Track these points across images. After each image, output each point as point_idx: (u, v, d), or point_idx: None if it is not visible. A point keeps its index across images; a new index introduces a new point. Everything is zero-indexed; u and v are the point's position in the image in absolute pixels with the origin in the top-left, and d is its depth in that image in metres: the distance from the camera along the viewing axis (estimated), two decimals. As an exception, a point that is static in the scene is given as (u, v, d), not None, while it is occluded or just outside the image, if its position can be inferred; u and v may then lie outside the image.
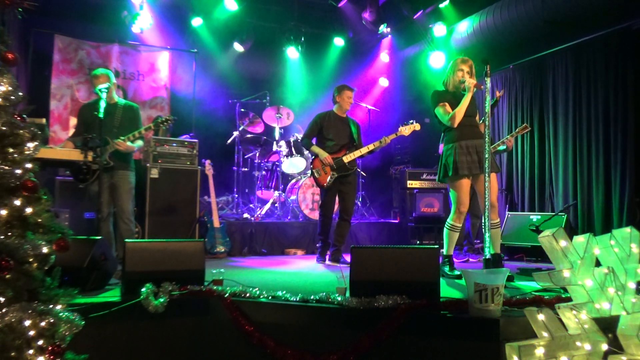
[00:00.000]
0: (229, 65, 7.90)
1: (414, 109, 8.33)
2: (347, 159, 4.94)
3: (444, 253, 4.04)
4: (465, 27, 6.64)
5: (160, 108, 7.30)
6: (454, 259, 4.19)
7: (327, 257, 5.05)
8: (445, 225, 4.02)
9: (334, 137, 5.01)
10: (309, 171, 6.77)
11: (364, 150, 4.95)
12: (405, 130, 5.06)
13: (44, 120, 4.68)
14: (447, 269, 4.01)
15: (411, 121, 5.13)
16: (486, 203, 3.41)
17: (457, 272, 3.94)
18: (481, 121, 4.05)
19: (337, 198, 5.15)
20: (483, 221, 3.43)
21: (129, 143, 4.25)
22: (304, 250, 6.30)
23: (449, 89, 4.07)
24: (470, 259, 5.43)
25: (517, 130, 5.31)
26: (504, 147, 5.25)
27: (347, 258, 4.26)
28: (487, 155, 3.42)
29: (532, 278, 2.57)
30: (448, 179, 3.96)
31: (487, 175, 3.41)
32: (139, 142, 4.43)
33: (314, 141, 5.19)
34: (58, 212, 4.98)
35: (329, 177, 4.94)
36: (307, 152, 6.83)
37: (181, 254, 3.20)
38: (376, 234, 6.87)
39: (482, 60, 3.55)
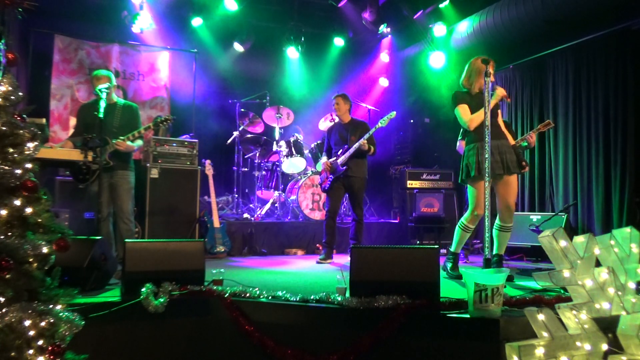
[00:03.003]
0: (229, 65, 7.89)
1: (414, 109, 8.34)
2: (340, 161, 5.25)
3: (451, 250, 4.02)
4: (465, 27, 6.64)
5: (160, 108, 7.30)
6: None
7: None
8: (459, 224, 3.95)
9: (334, 144, 5.43)
10: (309, 171, 6.80)
11: (351, 150, 5.19)
12: (384, 122, 5.21)
13: (44, 120, 4.68)
14: (450, 266, 3.99)
15: (387, 114, 5.31)
16: (486, 202, 3.41)
17: (458, 272, 3.92)
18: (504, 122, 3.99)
19: (342, 199, 5.54)
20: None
21: (128, 143, 4.25)
22: (304, 250, 6.30)
23: (471, 91, 3.97)
24: (471, 259, 5.42)
25: (539, 126, 5.11)
26: (526, 143, 4.96)
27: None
28: (487, 156, 3.41)
29: (532, 278, 2.57)
30: (469, 179, 3.86)
31: (487, 174, 3.40)
32: (139, 142, 4.43)
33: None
34: (58, 212, 4.98)
35: (328, 180, 5.34)
36: (307, 152, 6.89)
37: (181, 254, 3.19)
38: (376, 234, 6.86)
39: (482, 60, 3.55)
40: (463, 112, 3.92)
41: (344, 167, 5.22)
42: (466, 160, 3.92)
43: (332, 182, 5.30)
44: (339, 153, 5.31)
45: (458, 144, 5.19)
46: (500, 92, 3.85)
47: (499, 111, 4.02)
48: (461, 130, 5.11)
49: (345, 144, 5.29)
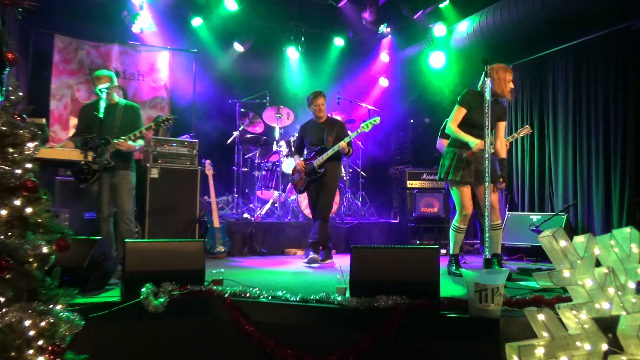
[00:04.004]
0: (229, 65, 7.89)
1: (413, 109, 8.33)
2: (317, 163, 5.09)
3: (450, 252, 4.15)
4: (465, 27, 6.64)
5: (160, 108, 7.30)
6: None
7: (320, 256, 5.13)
8: (451, 227, 4.11)
9: (310, 144, 5.27)
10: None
11: (330, 152, 5.01)
12: (366, 127, 5.11)
13: (44, 120, 4.67)
14: (453, 267, 4.10)
15: (371, 118, 5.22)
16: (486, 203, 3.42)
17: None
18: (493, 132, 4.00)
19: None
20: (485, 222, 3.44)
21: (130, 142, 4.25)
22: (304, 250, 6.29)
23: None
24: (467, 260, 5.41)
25: (519, 130, 5.34)
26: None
27: (341, 259, 4.28)
28: (486, 155, 3.42)
29: (532, 278, 2.57)
30: (449, 181, 4.03)
31: (486, 175, 3.41)
32: (140, 142, 4.43)
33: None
34: (58, 212, 4.98)
35: (303, 183, 5.23)
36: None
37: (181, 254, 3.19)
38: (376, 234, 6.86)
39: (482, 60, 3.55)
40: (457, 115, 3.98)
41: (322, 170, 5.07)
42: (442, 161, 4.08)
43: (308, 184, 5.18)
44: (313, 154, 5.15)
45: (438, 141, 5.24)
46: (478, 145, 3.77)
47: (500, 124, 4.06)
48: (441, 127, 5.14)
49: (321, 144, 5.13)
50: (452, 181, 3.97)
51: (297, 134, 5.76)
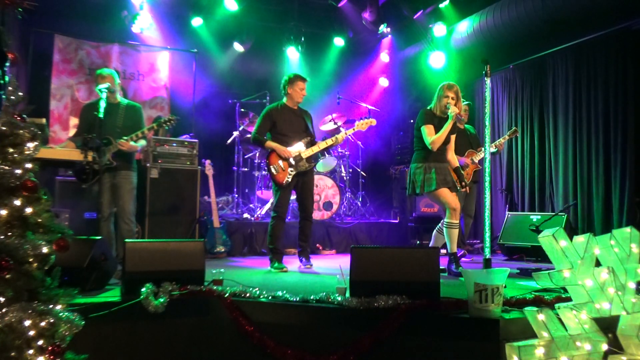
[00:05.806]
0: (229, 65, 7.89)
1: (413, 109, 8.33)
2: (306, 154, 4.58)
3: (449, 251, 4.19)
4: (465, 27, 6.64)
5: (160, 108, 7.30)
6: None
7: (301, 261, 4.71)
8: (444, 225, 4.18)
9: (288, 132, 4.61)
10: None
11: (322, 145, 4.65)
12: (362, 126, 4.84)
13: (44, 120, 4.66)
14: (453, 267, 4.14)
15: (367, 117, 5.11)
16: (486, 203, 3.41)
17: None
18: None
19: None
20: (484, 221, 3.44)
21: (132, 143, 4.24)
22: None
23: (436, 113, 4.22)
24: (466, 258, 5.43)
25: (507, 134, 5.50)
26: (495, 150, 5.43)
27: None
28: (486, 155, 3.42)
29: (532, 278, 2.57)
30: (427, 193, 4.21)
31: (486, 174, 3.40)
32: (142, 142, 4.41)
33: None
34: (58, 212, 4.97)
35: (287, 175, 4.53)
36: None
37: (181, 254, 3.19)
38: (376, 234, 6.86)
39: (482, 60, 3.56)
40: (428, 131, 4.17)
41: (313, 162, 4.65)
42: (412, 177, 4.24)
43: (292, 177, 4.54)
44: (300, 144, 4.62)
45: None
46: (454, 110, 4.08)
47: (452, 137, 4.26)
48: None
49: (304, 133, 4.65)
50: (429, 192, 4.16)
51: (262, 117, 4.72)
